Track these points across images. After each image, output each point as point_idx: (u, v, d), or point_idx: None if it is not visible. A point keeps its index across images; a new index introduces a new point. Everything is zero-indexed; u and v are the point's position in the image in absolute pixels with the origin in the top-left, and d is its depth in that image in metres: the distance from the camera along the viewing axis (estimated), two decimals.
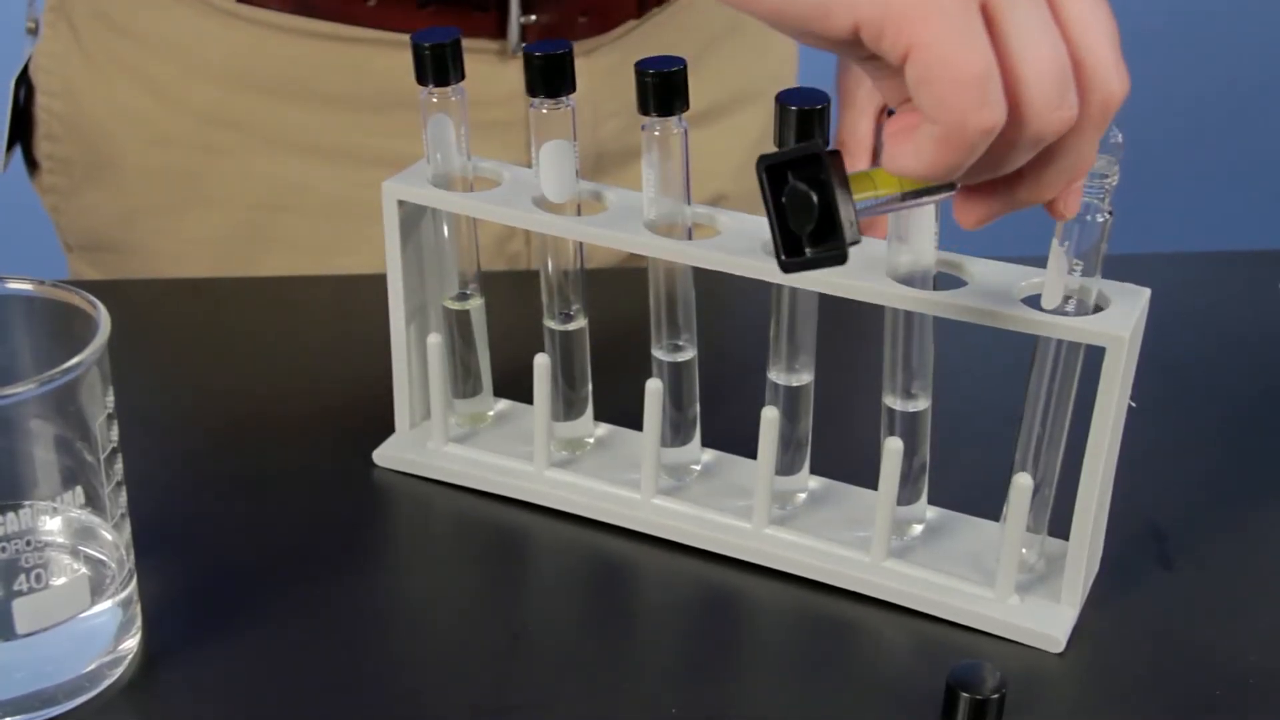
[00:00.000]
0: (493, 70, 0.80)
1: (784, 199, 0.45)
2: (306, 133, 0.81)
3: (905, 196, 0.47)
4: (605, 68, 0.82)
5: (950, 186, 0.48)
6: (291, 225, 0.83)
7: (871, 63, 0.46)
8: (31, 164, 0.88)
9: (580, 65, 0.81)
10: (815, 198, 0.44)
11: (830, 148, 0.44)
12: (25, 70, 0.86)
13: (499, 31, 0.79)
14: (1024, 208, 0.48)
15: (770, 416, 0.58)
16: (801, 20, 0.44)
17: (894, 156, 0.45)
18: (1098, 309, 0.53)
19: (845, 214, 0.44)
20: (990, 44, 0.43)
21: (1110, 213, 0.51)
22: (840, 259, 0.44)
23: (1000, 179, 0.47)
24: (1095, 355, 0.52)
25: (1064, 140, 0.45)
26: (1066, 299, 0.53)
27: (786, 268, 0.46)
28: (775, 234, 0.45)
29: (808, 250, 0.45)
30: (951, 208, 0.48)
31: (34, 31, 0.86)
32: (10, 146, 0.88)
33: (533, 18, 0.79)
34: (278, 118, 0.81)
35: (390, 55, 0.79)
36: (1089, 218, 0.51)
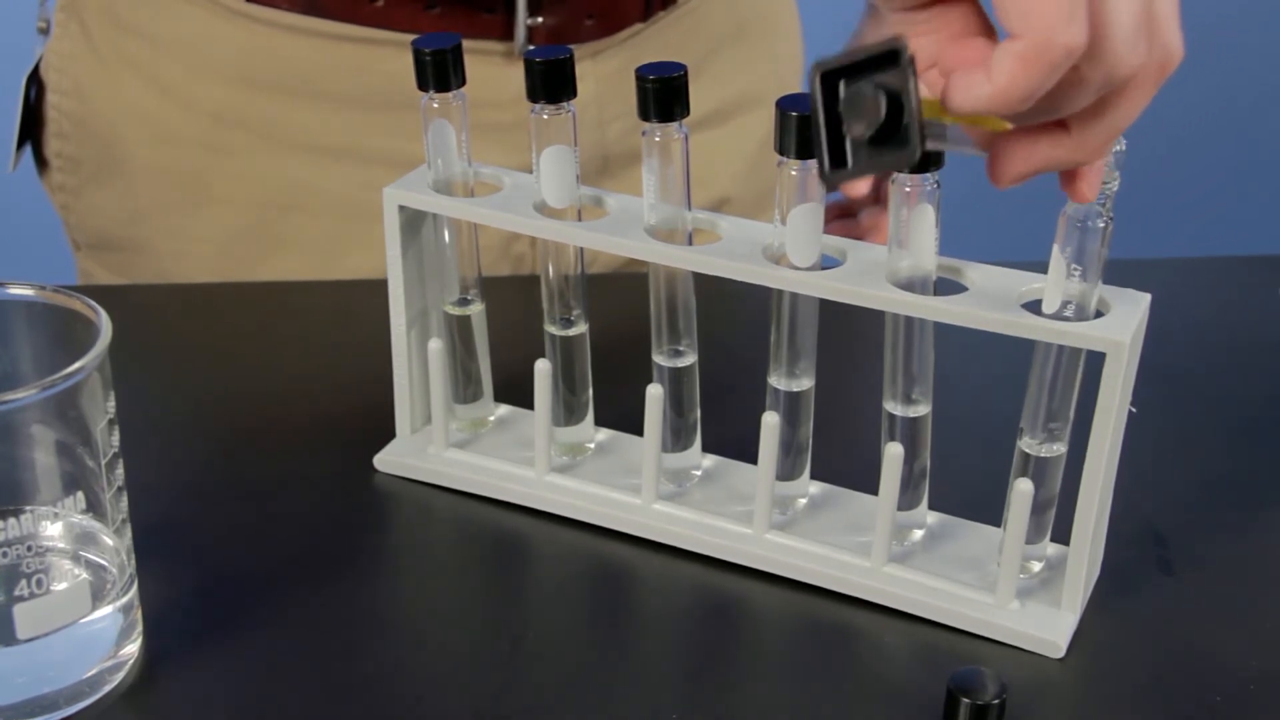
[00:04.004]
0: (499, 72, 0.80)
1: (841, 105, 0.45)
2: (315, 133, 0.81)
3: (948, 130, 0.47)
4: (611, 70, 0.82)
5: (984, 143, 0.47)
6: (300, 225, 0.83)
7: (916, 14, 0.47)
8: (41, 162, 0.88)
9: (586, 67, 0.81)
10: (883, 99, 0.44)
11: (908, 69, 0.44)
12: (36, 69, 0.87)
13: (505, 33, 0.79)
14: (1059, 167, 0.48)
15: (771, 422, 0.58)
16: None
17: (965, 86, 0.45)
18: (1099, 314, 0.53)
19: (915, 113, 0.44)
20: None
21: (1110, 219, 0.52)
22: (912, 156, 0.45)
23: (1044, 133, 0.47)
24: (1096, 360, 0.52)
25: (1121, 92, 0.46)
26: (1066, 304, 0.53)
27: (835, 179, 0.45)
28: (824, 145, 0.45)
29: (869, 146, 0.45)
30: (985, 169, 0.48)
31: (45, 31, 0.87)
32: (21, 145, 0.88)
33: (539, 19, 0.79)
34: (286, 117, 0.81)
35: (397, 56, 0.79)
36: (1089, 223, 0.51)
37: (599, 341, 0.63)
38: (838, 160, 0.45)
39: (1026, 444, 0.55)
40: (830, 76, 0.44)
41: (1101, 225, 0.51)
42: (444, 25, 0.78)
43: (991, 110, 0.45)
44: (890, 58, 0.44)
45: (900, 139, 0.45)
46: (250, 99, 0.81)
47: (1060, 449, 0.55)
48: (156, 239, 0.85)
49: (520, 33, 0.79)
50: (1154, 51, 0.46)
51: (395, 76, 0.79)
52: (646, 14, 0.82)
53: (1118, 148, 0.50)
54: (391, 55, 0.79)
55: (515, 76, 0.80)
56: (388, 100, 0.80)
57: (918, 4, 0.47)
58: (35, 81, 0.87)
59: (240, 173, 0.82)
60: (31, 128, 0.88)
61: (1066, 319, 0.53)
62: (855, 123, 0.45)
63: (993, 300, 0.53)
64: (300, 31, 0.79)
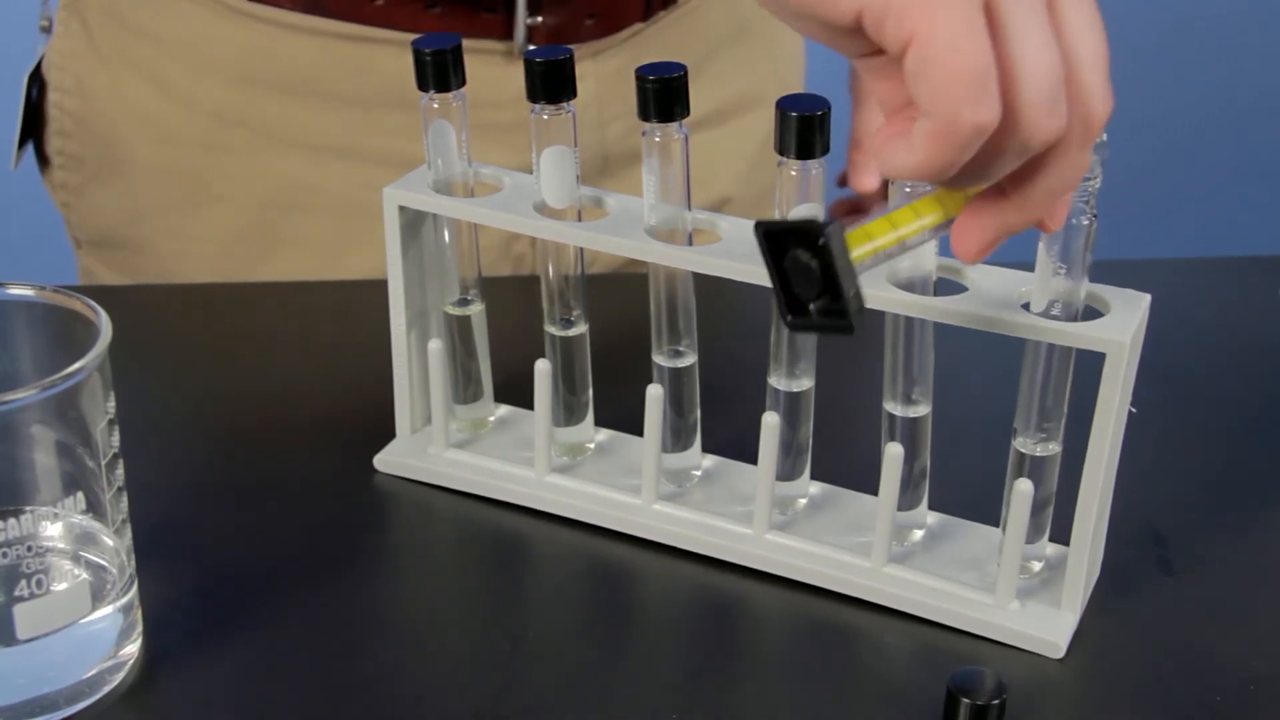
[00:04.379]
0: (499, 72, 0.80)
1: (785, 265, 0.44)
2: (316, 132, 0.81)
3: (904, 244, 0.46)
4: (612, 70, 0.82)
5: (946, 225, 0.47)
6: (301, 224, 0.83)
7: (871, 59, 0.46)
8: (43, 161, 0.89)
9: (587, 67, 0.81)
10: (818, 270, 0.43)
11: (827, 220, 0.43)
12: (38, 67, 0.87)
13: (506, 32, 0.79)
14: (1016, 231, 0.47)
15: (771, 422, 0.58)
16: (806, 5, 0.44)
17: (888, 156, 0.45)
18: (1089, 311, 0.53)
19: (848, 286, 0.43)
20: (990, 43, 0.43)
21: (1095, 216, 0.51)
22: (848, 330, 0.44)
23: (988, 204, 0.47)
24: (1094, 360, 0.52)
25: (1049, 155, 0.45)
26: (1053, 303, 0.53)
27: (794, 327, 0.45)
28: (779, 294, 0.44)
29: (813, 313, 0.44)
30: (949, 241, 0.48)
31: (47, 29, 0.87)
32: (22, 143, 0.88)
33: (539, 19, 0.79)
34: (287, 117, 0.81)
35: (399, 55, 0.79)
36: (1073, 221, 0.51)
37: (599, 341, 0.63)
38: (795, 309, 0.44)
39: (1021, 444, 0.55)
40: (774, 236, 0.44)
41: (1085, 223, 0.51)
42: (444, 25, 0.78)
43: (917, 178, 0.45)
44: (812, 235, 0.43)
45: (838, 310, 0.43)
46: (251, 98, 0.81)
47: (1055, 448, 0.55)
48: (157, 238, 0.85)
49: (520, 32, 0.79)
50: (1075, 115, 0.44)
51: (396, 76, 0.79)
52: (647, 14, 0.82)
53: (1099, 139, 0.49)
54: (392, 55, 0.79)
55: (515, 76, 0.80)
56: (389, 100, 0.80)
57: (870, 50, 0.46)
58: (37, 80, 0.87)
59: (241, 172, 0.82)
60: (33, 126, 0.88)
61: (1055, 318, 0.53)
62: (799, 284, 0.44)
63: (992, 300, 0.53)
64: (301, 31, 0.79)
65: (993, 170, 0.45)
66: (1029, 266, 0.55)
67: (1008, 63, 0.43)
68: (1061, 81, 0.44)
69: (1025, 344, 0.54)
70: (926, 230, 0.47)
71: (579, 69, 0.79)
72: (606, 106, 0.82)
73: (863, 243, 0.45)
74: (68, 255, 0.92)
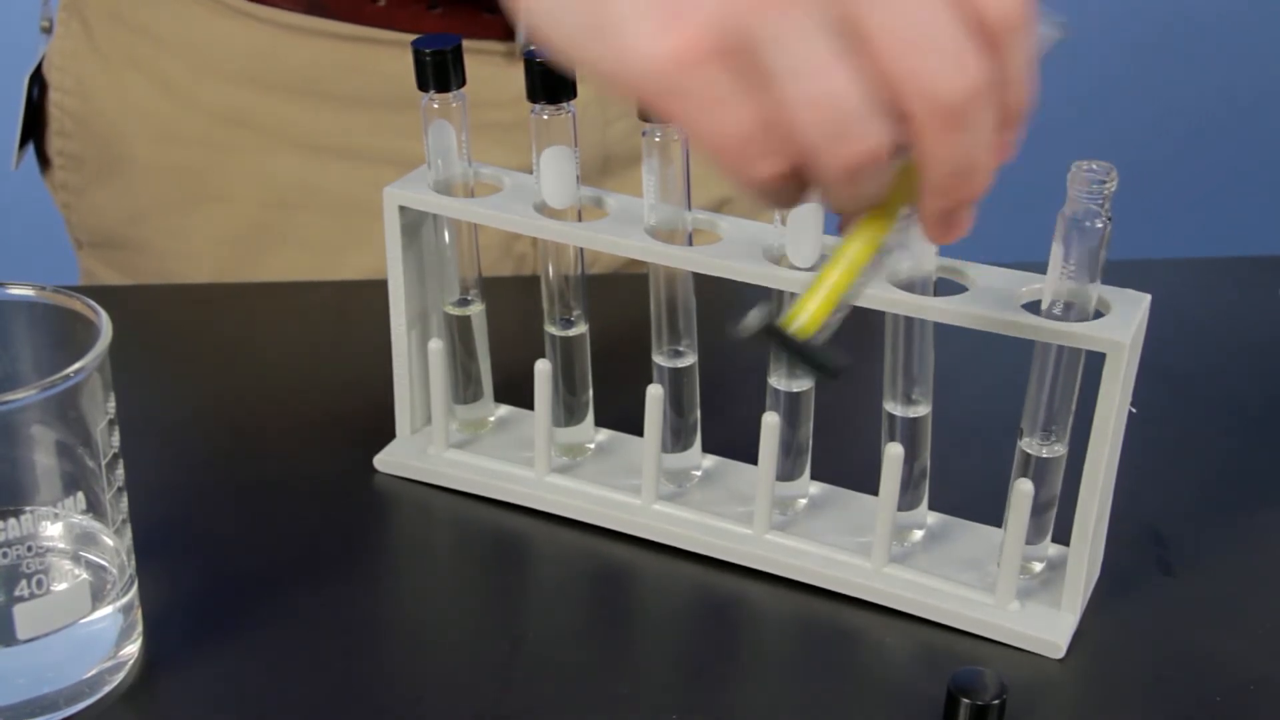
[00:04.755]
0: (500, 72, 0.80)
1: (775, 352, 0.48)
2: (317, 132, 0.81)
3: (858, 281, 0.46)
4: None
5: (886, 244, 0.47)
6: (302, 224, 0.83)
7: None
8: (44, 161, 0.89)
9: None
10: (786, 357, 0.47)
11: (767, 319, 0.46)
12: (39, 68, 0.87)
13: (507, 33, 0.79)
14: (960, 209, 0.45)
15: (771, 422, 0.58)
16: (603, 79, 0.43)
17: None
18: (1098, 315, 0.53)
19: (809, 356, 0.46)
20: (755, 97, 0.41)
21: (1109, 219, 0.51)
22: (835, 378, 0.46)
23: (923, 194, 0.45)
24: (1096, 360, 0.52)
25: (920, 151, 0.42)
26: (1067, 305, 0.52)
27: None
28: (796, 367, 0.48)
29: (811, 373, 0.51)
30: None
31: (48, 30, 0.87)
32: (23, 144, 0.88)
33: None
34: (289, 117, 0.81)
35: (400, 56, 0.79)
36: (1087, 223, 0.51)
37: (599, 342, 0.63)
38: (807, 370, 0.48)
39: (1027, 444, 0.55)
40: (758, 338, 0.46)
41: (1100, 226, 0.51)
42: (446, 26, 0.78)
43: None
44: (761, 338, 0.46)
45: (820, 371, 0.46)
46: (252, 98, 0.81)
47: (1060, 449, 0.55)
48: (158, 238, 0.85)
49: (522, 33, 0.79)
50: (918, 105, 0.41)
51: (397, 77, 0.79)
52: None
53: (1058, 19, 0.46)
54: (394, 55, 0.79)
55: (516, 76, 0.80)
56: (390, 100, 0.80)
57: None
58: (38, 80, 0.87)
59: (242, 172, 0.82)
60: (34, 126, 0.88)
61: (1065, 318, 0.52)
62: (792, 361, 0.47)
63: (993, 300, 0.53)
64: (302, 31, 0.79)
65: (851, 194, 0.43)
66: (1028, 266, 0.55)
67: (780, 109, 0.41)
68: (855, 102, 0.41)
69: (1033, 345, 0.54)
70: (866, 260, 0.46)
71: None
72: (609, 106, 0.82)
73: (809, 308, 0.46)
74: (68, 255, 0.92)
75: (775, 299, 0.55)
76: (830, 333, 0.45)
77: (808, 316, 0.46)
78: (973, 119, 0.41)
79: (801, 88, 0.40)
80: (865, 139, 0.41)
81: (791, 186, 0.43)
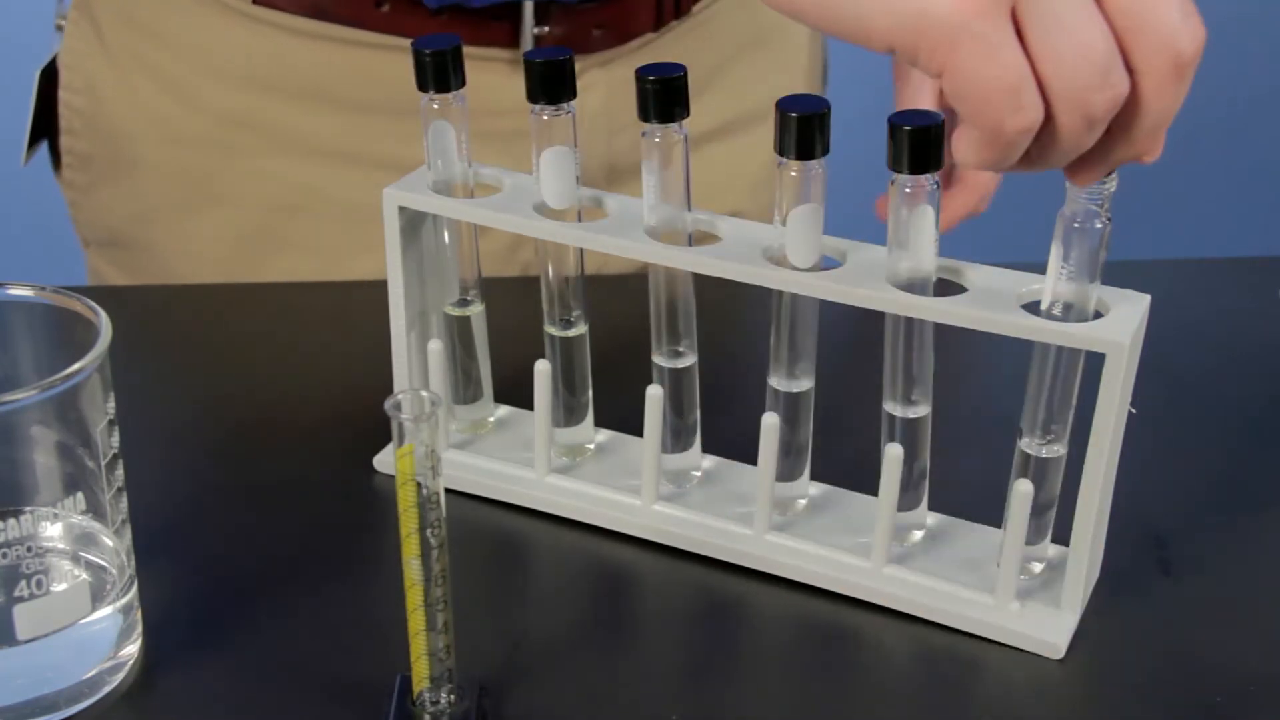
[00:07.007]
0: (504, 80, 0.80)
1: None
2: (321, 136, 0.81)
3: None
4: (622, 79, 0.81)
5: None
6: (305, 227, 0.83)
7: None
8: (57, 159, 0.89)
9: (597, 76, 0.81)
10: None
11: None
12: (51, 66, 0.87)
13: (512, 41, 0.79)
14: (1120, 164, 0.50)
15: (771, 423, 0.58)
16: (845, 36, 0.47)
17: (956, 150, 0.48)
18: (1098, 315, 0.53)
19: None
20: (1020, 49, 0.45)
21: (1109, 220, 0.52)
22: None
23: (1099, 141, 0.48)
24: (1096, 361, 0.52)
25: (1141, 100, 0.47)
26: (1067, 305, 0.53)
27: None
28: None
29: None
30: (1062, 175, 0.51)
31: (62, 29, 0.87)
32: (36, 141, 0.88)
33: (546, 29, 0.79)
34: (293, 121, 0.81)
35: (403, 61, 0.79)
36: (1087, 224, 0.51)
37: (599, 342, 0.63)
38: None
39: (1026, 445, 0.55)
40: None
41: (1099, 226, 0.51)
42: (449, 32, 0.78)
43: (981, 170, 0.48)
44: None
45: None
46: (258, 101, 0.81)
47: (1060, 450, 0.55)
48: (163, 238, 0.85)
49: (527, 41, 0.79)
50: (1155, 60, 0.46)
51: (401, 82, 0.78)
52: (658, 24, 0.82)
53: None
54: (398, 61, 0.79)
55: (520, 85, 0.81)
56: (394, 105, 0.80)
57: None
58: (51, 79, 0.87)
59: (247, 174, 0.82)
60: (46, 125, 0.88)
61: (1065, 319, 0.52)
62: None
63: (992, 301, 0.53)
64: (306, 35, 0.79)
65: (1069, 147, 0.47)
66: (1028, 267, 0.55)
67: (1038, 61, 0.45)
68: (1100, 55, 0.45)
69: (1033, 345, 0.54)
70: None
71: (588, 78, 0.78)
72: (615, 116, 0.82)
73: None
74: (69, 255, 0.92)
75: None
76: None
77: None
78: (1191, 76, 0.47)
79: (1066, 39, 0.45)
80: (1116, 86, 0.46)
81: (1025, 141, 0.46)
